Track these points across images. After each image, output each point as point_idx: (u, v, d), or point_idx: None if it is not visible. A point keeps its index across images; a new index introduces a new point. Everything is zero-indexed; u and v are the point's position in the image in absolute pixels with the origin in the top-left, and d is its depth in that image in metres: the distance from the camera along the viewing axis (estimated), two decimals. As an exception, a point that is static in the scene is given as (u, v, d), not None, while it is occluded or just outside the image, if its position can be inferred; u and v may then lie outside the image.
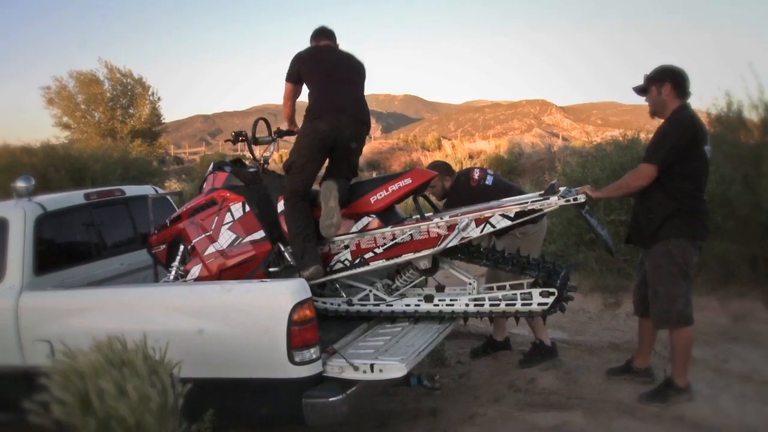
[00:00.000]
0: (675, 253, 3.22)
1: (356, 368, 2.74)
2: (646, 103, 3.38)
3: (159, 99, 27.74)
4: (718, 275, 5.11)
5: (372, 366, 2.73)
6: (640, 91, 3.39)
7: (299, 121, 3.61)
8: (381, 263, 3.29)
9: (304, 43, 3.67)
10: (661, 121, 3.33)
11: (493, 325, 4.42)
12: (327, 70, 3.45)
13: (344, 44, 3.67)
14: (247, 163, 3.95)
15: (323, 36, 3.65)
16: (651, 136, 5.82)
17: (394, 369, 2.73)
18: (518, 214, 3.05)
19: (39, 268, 3.41)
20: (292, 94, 3.58)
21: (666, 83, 3.24)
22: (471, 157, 18.43)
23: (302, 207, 3.34)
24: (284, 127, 3.90)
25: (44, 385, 2.35)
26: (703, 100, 5.91)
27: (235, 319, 2.79)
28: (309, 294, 2.74)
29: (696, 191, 3.26)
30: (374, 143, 26.60)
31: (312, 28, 3.67)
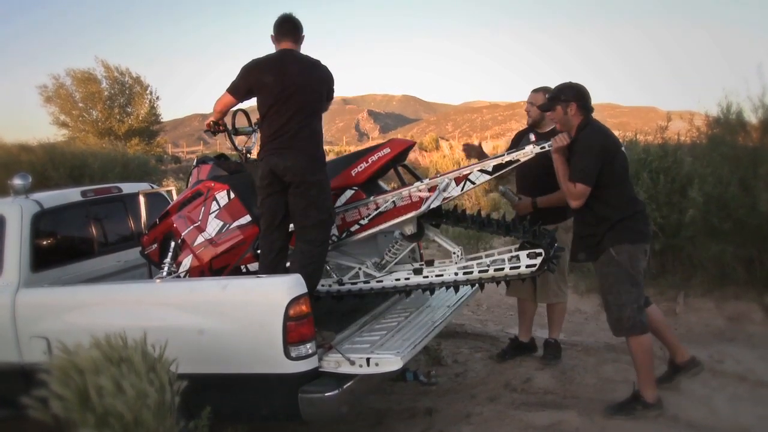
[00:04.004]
0: (621, 260, 3.16)
1: (352, 363, 2.74)
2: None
3: (158, 98, 27.69)
4: (714, 277, 5.12)
5: (368, 360, 2.74)
6: (545, 109, 3.42)
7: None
8: (368, 233, 3.34)
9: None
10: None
11: (519, 327, 4.29)
12: (281, 98, 3.11)
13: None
14: (231, 159, 4.00)
15: (288, 36, 3.23)
16: (648, 137, 5.82)
17: (389, 362, 2.74)
18: (496, 168, 3.12)
19: (36, 265, 3.41)
20: (227, 108, 3.34)
21: (571, 103, 3.25)
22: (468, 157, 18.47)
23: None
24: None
25: (42, 381, 2.36)
26: (702, 102, 5.94)
27: (232, 314, 2.80)
28: (305, 289, 2.75)
29: (629, 195, 3.27)
30: (372, 143, 26.59)
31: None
